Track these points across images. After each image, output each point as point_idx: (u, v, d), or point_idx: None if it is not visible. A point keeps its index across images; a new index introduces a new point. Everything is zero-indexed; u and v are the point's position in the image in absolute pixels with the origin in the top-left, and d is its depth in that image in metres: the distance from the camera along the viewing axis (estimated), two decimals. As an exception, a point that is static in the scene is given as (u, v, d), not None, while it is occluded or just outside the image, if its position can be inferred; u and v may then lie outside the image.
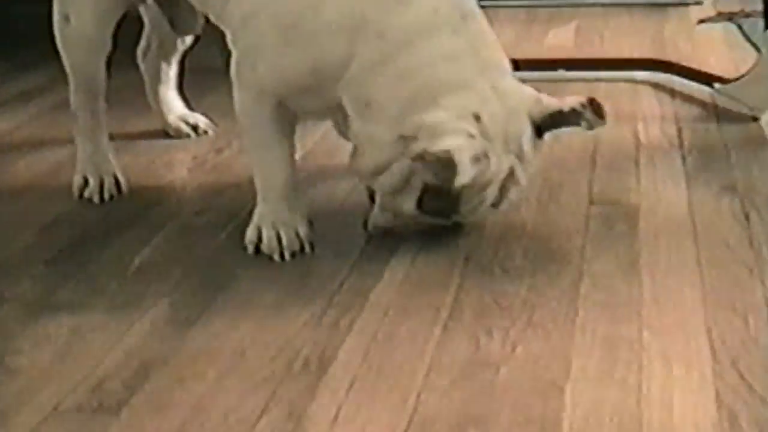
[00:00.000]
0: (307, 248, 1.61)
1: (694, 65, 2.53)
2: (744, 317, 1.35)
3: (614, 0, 3.41)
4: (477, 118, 1.48)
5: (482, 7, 1.61)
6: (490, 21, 1.61)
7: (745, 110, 2.22)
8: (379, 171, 1.54)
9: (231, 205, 1.81)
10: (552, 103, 1.55)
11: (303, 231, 1.62)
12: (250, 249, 1.61)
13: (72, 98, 1.92)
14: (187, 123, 2.22)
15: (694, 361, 1.25)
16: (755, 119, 2.19)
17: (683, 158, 1.98)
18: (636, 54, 2.77)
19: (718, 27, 3.13)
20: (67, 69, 1.91)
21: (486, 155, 1.47)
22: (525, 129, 1.53)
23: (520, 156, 1.54)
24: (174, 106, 2.22)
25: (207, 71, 2.34)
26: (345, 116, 1.58)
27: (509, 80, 1.56)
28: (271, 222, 1.62)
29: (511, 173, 1.54)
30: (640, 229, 1.65)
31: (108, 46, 1.89)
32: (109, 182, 1.88)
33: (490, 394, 1.19)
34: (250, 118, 1.63)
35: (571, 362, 1.25)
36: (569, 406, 1.16)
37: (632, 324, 1.34)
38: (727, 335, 1.31)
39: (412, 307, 1.42)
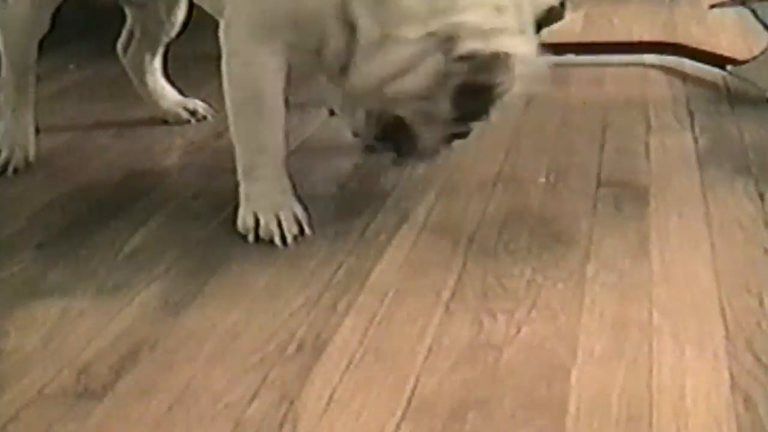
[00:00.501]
0: (308, 230, 1.55)
1: (708, 48, 2.48)
2: (759, 297, 1.29)
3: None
4: (502, 11, 1.45)
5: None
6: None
7: (758, 92, 2.16)
8: (400, 73, 1.46)
9: (228, 189, 1.74)
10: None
11: (300, 212, 1.57)
12: (251, 238, 1.55)
13: (2, 73, 1.94)
14: (186, 108, 2.18)
15: (707, 342, 1.19)
16: (769, 101, 2.14)
17: (695, 140, 1.93)
18: (647, 39, 2.71)
19: (731, 12, 3.06)
20: (0, 47, 1.92)
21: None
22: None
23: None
24: (167, 93, 2.18)
25: (202, 59, 2.27)
26: (345, 44, 1.50)
27: None
28: (267, 205, 1.56)
29: None
30: (650, 210, 1.59)
31: (44, 29, 1.91)
32: (16, 157, 1.91)
33: (493, 377, 1.13)
34: (241, 83, 1.56)
35: (577, 344, 1.20)
36: (575, 390, 1.10)
37: (642, 305, 1.28)
38: (742, 316, 1.25)
39: (413, 289, 1.36)
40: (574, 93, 2.28)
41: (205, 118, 2.18)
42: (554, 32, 1.58)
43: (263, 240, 1.53)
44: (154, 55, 2.13)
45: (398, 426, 1.05)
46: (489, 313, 1.28)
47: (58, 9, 1.90)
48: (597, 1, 3.22)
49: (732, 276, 1.36)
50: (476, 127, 1.58)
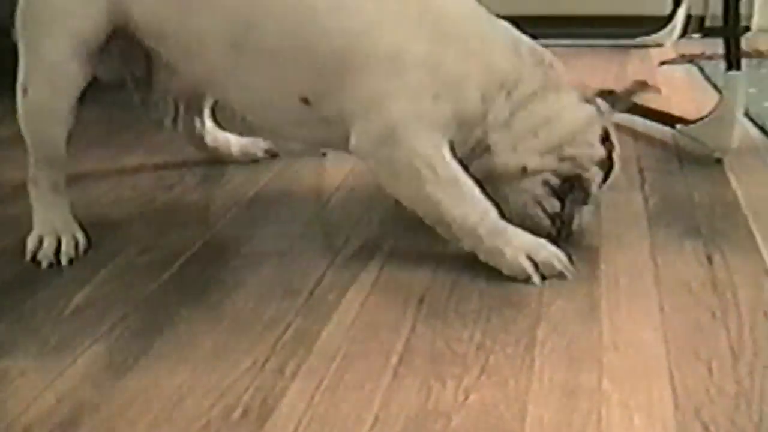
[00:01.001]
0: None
1: (657, 106, 2.49)
2: (708, 364, 1.29)
3: (578, 41, 3.39)
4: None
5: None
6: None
7: (707, 151, 2.18)
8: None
9: (177, 244, 1.74)
10: None
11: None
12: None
13: (30, 168, 1.79)
14: (256, 145, 2.24)
15: (655, 410, 1.19)
16: (718, 161, 2.15)
17: (645, 200, 1.94)
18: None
19: (680, 69, 3.11)
20: (27, 140, 1.78)
21: None
22: None
23: None
24: (231, 140, 2.23)
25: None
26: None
27: None
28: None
29: None
30: (600, 272, 1.59)
31: (69, 119, 1.75)
32: (67, 242, 1.72)
33: (441, 445, 1.12)
34: None
35: (526, 412, 1.19)
36: (524, 459, 1.09)
37: (591, 371, 1.28)
38: (691, 383, 1.25)
39: (361, 352, 1.34)
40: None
41: (276, 155, 2.22)
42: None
43: (211, 299, 1.52)
44: (202, 118, 2.15)
45: (344, 497, 1.03)
46: (438, 379, 1.27)
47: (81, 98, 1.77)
48: (552, 53, 3.24)
49: (681, 341, 1.36)
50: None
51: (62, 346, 1.38)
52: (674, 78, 2.99)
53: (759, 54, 3.26)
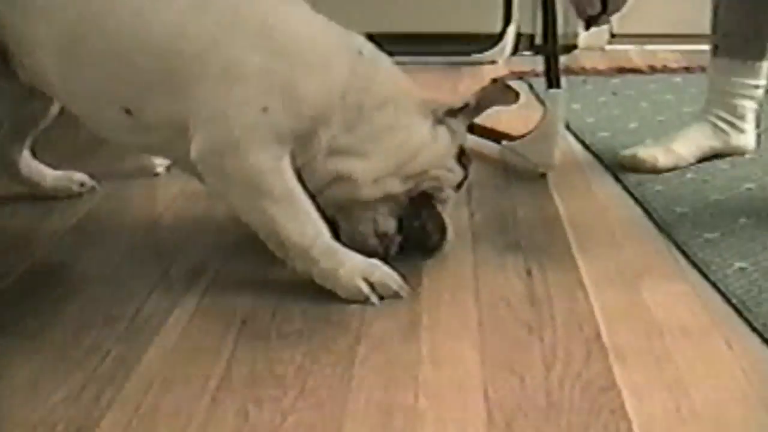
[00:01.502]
0: None
1: (486, 123, 2.54)
2: (521, 377, 1.33)
3: (411, 59, 3.43)
4: None
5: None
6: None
7: (531, 167, 2.24)
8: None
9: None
10: None
11: None
12: None
13: None
14: (72, 180, 2.12)
15: (468, 425, 1.21)
16: (542, 176, 2.21)
17: (471, 216, 1.98)
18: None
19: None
20: None
21: None
22: None
23: None
24: (44, 171, 2.11)
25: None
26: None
27: None
28: None
29: None
30: (423, 289, 1.62)
31: None
32: None
33: (255, 469, 1.12)
34: None
35: (343, 431, 1.20)
36: (338, 480, 1.10)
37: (408, 388, 1.30)
38: (503, 396, 1.28)
39: (180, 377, 1.33)
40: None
41: (93, 188, 2.12)
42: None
43: (29, 329, 1.48)
44: (23, 145, 2.06)
45: None
46: (256, 402, 1.27)
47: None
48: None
49: (497, 356, 1.39)
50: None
51: None
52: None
53: (584, 71, 3.36)
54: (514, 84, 1.78)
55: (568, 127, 2.58)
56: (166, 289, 1.63)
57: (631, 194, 2.10)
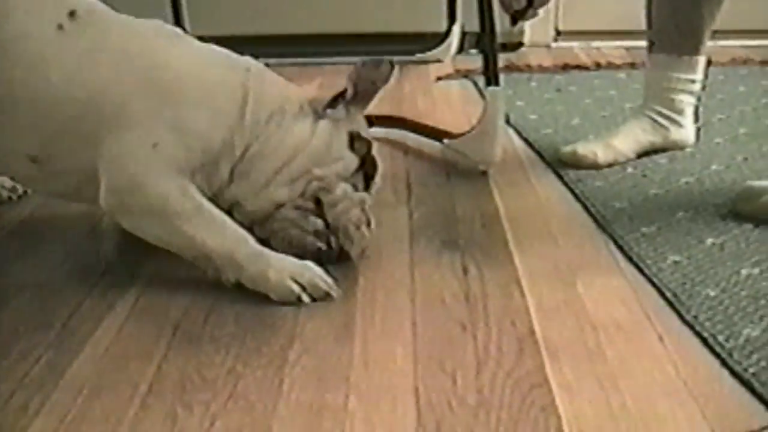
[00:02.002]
0: None
1: (431, 121, 2.55)
2: (453, 376, 1.33)
3: (355, 59, 3.42)
4: None
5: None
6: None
7: (472, 165, 2.24)
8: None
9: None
10: None
11: None
12: None
13: None
14: (3, 186, 2.09)
15: (398, 425, 1.21)
16: (483, 173, 2.22)
17: (410, 214, 1.98)
18: (375, 111, 2.76)
19: (455, 84, 3.19)
20: None
21: None
22: None
23: None
24: None
25: None
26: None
27: None
28: None
29: None
30: (358, 289, 1.62)
31: None
32: None
33: (181, 474, 1.11)
34: None
35: (272, 434, 1.19)
36: (265, 483, 1.09)
37: (339, 390, 1.30)
38: (434, 397, 1.28)
39: (110, 383, 1.32)
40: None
41: (26, 192, 2.10)
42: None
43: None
44: None
45: None
46: (185, 406, 1.26)
47: None
48: (332, 71, 3.27)
49: (429, 354, 1.39)
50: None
51: None
52: (450, 93, 3.06)
53: (529, 68, 3.38)
54: (386, 58, 1.80)
55: (510, 124, 2.60)
56: (100, 294, 1.61)
57: (571, 190, 2.11)
